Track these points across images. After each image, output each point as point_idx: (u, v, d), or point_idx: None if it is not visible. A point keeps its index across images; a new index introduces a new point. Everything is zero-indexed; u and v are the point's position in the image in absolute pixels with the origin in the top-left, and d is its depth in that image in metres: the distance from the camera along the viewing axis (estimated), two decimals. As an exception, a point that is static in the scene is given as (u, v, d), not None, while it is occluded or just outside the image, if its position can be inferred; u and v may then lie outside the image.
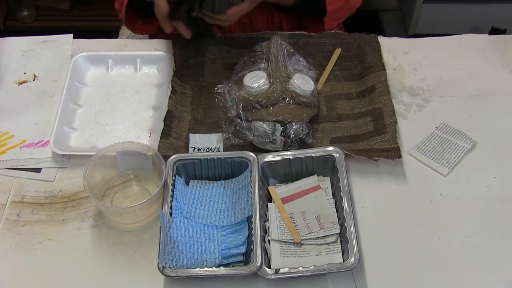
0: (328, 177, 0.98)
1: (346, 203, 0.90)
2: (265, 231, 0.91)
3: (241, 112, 1.02)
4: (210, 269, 0.85)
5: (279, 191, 0.97)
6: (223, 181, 0.98)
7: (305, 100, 1.03)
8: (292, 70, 1.07)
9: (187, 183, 0.98)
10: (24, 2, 2.41)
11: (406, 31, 2.38)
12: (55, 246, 0.92)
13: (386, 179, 1.00)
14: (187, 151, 1.03)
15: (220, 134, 1.05)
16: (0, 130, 1.08)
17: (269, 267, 0.86)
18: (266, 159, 0.96)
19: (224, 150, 1.03)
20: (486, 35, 1.26)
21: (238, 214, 0.92)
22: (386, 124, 1.04)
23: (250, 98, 1.01)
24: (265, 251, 0.88)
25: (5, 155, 1.03)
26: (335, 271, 0.84)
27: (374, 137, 1.04)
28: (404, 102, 1.12)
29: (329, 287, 0.87)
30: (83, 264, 0.90)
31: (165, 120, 1.05)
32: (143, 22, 1.22)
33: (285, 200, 0.95)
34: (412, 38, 1.27)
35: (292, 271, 0.84)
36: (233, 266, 0.88)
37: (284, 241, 0.90)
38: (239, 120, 1.02)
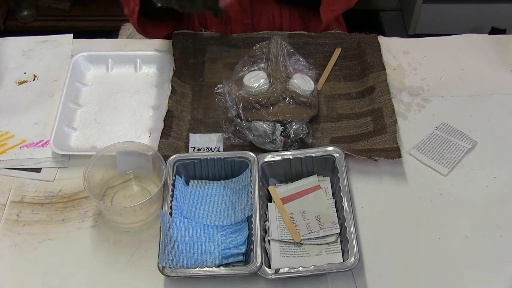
0: (328, 177, 0.98)
1: (346, 203, 0.90)
2: (265, 231, 0.91)
3: (241, 112, 1.02)
4: (210, 269, 0.84)
5: (279, 191, 0.97)
6: (223, 181, 0.98)
7: (305, 100, 1.03)
8: (292, 70, 1.07)
9: (187, 183, 0.98)
10: (24, 2, 2.41)
11: (406, 31, 2.38)
12: (55, 246, 0.92)
13: (386, 179, 1.00)
14: (187, 151, 1.03)
15: (220, 134, 1.05)
16: (0, 130, 1.08)
17: (269, 267, 0.86)
18: (266, 159, 0.96)
19: (224, 150, 1.03)
20: (486, 35, 1.26)
21: (238, 214, 0.92)
22: (386, 124, 1.04)
23: (250, 98, 1.01)
24: (265, 251, 0.88)
25: (5, 155, 1.03)
26: (335, 271, 0.84)
27: (374, 137, 1.04)
28: (404, 102, 1.12)
29: (329, 287, 0.87)
30: (83, 264, 0.90)
31: (165, 120, 1.05)
32: (154, 26, 1.23)
33: (285, 200, 0.95)
34: (412, 38, 1.27)
35: (292, 271, 0.84)
36: (233, 266, 0.88)
37: (284, 241, 0.90)
38: (239, 120, 1.02)
